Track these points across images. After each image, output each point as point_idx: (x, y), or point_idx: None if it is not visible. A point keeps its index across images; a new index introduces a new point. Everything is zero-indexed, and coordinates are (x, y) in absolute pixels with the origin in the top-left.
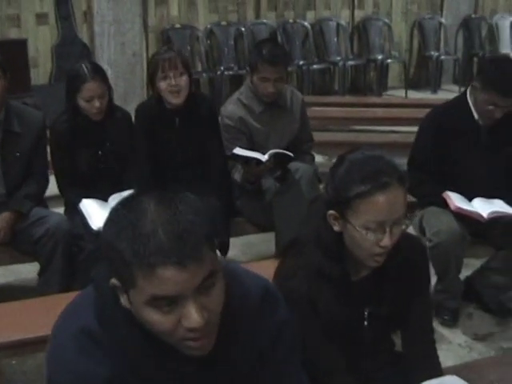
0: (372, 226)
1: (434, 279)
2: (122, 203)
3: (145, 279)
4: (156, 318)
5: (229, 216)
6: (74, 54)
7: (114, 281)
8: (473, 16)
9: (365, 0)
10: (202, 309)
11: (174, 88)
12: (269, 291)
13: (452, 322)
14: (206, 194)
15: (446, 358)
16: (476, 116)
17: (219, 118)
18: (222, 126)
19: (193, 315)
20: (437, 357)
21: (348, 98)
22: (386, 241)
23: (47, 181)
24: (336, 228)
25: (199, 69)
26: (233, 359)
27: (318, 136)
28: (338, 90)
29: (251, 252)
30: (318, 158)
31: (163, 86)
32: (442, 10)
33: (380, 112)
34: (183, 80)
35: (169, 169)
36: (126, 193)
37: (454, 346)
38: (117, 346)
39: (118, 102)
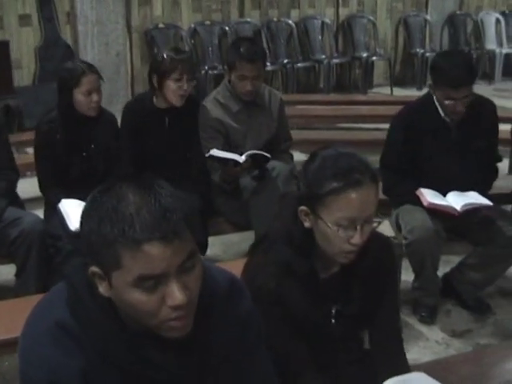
0: (343, 223)
1: (411, 276)
2: (100, 191)
3: (131, 258)
4: (140, 299)
5: (207, 215)
6: (57, 55)
7: (93, 269)
8: (458, 12)
9: None
10: (185, 287)
11: (183, 92)
12: (235, 282)
13: (429, 318)
14: (187, 193)
15: (422, 354)
16: (442, 114)
17: None
18: (199, 126)
19: (176, 293)
20: (404, 354)
21: (333, 96)
22: (357, 238)
23: (17, 174)
24: (307, 224)
25: (225, 66)
26: (208, 347)
27: (302, 134)
28: (323, 88)
29: (231, 251)
30: (301, 157)
31: (174, 86)
32: (426, 7)
33: (365, 110)
34: (191, 85)
35: (152, 169)
36: None
37: (431, 342)
38: (91, 338)
39: (102, 102)
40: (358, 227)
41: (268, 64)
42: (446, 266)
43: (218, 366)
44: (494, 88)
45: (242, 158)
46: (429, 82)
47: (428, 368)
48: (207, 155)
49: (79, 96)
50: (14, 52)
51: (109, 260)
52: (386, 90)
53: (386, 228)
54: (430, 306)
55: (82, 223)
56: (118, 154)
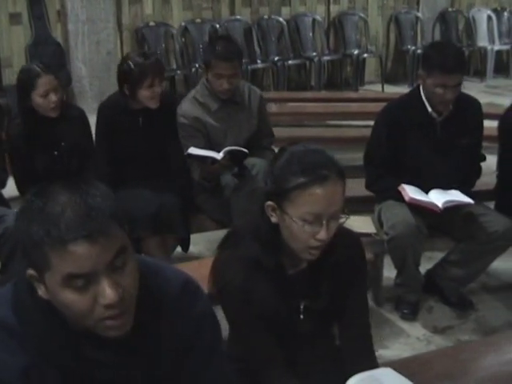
0: (309, 218)
1: (394, 273)
2: (32, 193)
3: (58, 258)
4: (73, 299)
5: (188, 213)
6: (47, 53)
7: (30, 271)
8: (449, 9)
9: None
10: (116, 285)
11: (157, 95)
12: (189, 283)
13: (411, 315)
14: (166, 191)
15: (402, 351)
16: (429, 109)
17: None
18: (179, 125)
19: (107, 291)
20: (372, 351)
21: (324, 94)
22: (323, 234)
23: (7, 173)
24: (273, 219)
25: (174, 66)
26: (153, 348)
27: (292, 132)
28: (314, 86)
29: (215, 248)
30: None
31: (147, 93)
32: (418, 4)
33: (356, 107)
34: (163, 85)
35: (129, 167)
36: None
37: (411, 339)
38: (33, 337)
39: (93, 100)
40: (324, 223)
41: (259, 61)
42: (429, 262)
43: (169, 369)
44: (485, 85)
45: (219, 155)
46: (419, 71)
47: (404, 364)
48: (186, 154)
49: (37, 98)
50: (5, 50)
51: (39, 261)
52: (378, 88)
53: (367, 224)
54: (412, 303)
55: (16, 224)
56: (91, 151)
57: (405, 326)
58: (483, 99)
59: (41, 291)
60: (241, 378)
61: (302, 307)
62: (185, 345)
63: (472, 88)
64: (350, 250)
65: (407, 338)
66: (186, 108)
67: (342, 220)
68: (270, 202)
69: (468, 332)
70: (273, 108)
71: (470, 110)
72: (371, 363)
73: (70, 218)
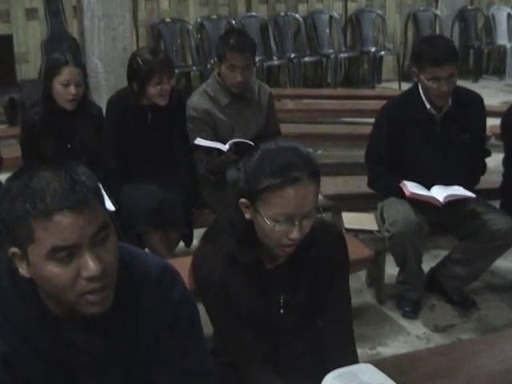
0: (280, 219)
1: (396, 270)
2: (15, 174)
3: (43, 230)
4: (56, 272)
5: (191, 208)
6: (63, 49)
7: (12, 250)
8: (469, 7)
9: None
10: (99, 258)
11: (165, 92)
12: (167, 269)
13: (413, 313)
14: (170, 187)
15: (401, 349)
16: (428, 106)
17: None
18: (188, 118)
19: (90, 264)
20: (354, 346)
21: (340, 91)
22: (295, 234)
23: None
24: (247, 216)
25: (190, 62)
26: (131, 332)
27: (307, 128)
28: (330, 83)
29: None
30: None
31: (155, 91)
32: (437, 2)
33: (372, 104)
34: (172, 83)
35: (136, 162)
36: None
37: (411, 337)
38: (11, 323)
39: (108, 96)
40: (297, 223)
41: (275, 58)
42: (434, 260)
43: (147, 354)
44: (504, 83)
45: (225, 147)
46: (412, 69)
47: (396, 361)
48: (192, 144)
49: (57, 85)
50: (21, 46)
51: (23, 235)
52: (395, 85)
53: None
54: (414, 301)
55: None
56: (101, 147)
57: (405, 324)
58: (501, 98)
59: (22, 270)
60: (226, 372)
61: (281, 301)
62: (163, 330)
63: (490, 86)
64: (332, 245)
65: (407, 336)
66: (197, 101)
67: (319, 215)
68: (243, 200)
69: (469, 331)
70: (289, 105)
71: (471, 105)
72: (351, 359)
73: (56, 190)
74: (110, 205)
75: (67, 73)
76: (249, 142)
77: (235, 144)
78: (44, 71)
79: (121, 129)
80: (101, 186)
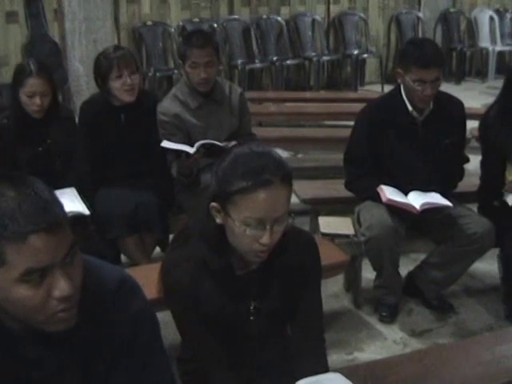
0: (251, 223)
1: (373, 274)
2: None
3: (16, 253)
4: (27, 294)
5: (167, 212)
6: (44, 52)
7: None
8: (451, 10)
9: None
10: (70, 277)
11: (128, 87)
12: (125, 281)
13: (390, 318)
14: (146, 190)
15: (378, 354)
16: (410, 108)
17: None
18: (158, 122)
19: (62, 284)
20: (324, 355)
21: (323, 94)
22: (266, 238)
23: None
24: (218, 220)
25: (171, 65)
26: (90, 345)
27: (290, 132)
28: (313, 86)
29: None
30: (284, 155)
31: (117, 85)
32: (419, 5)
33: (355, 107)
34: (136, 78)
35: (111, 165)
36: (67, 190)
37: (388, 342)
38: None
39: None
40: (268, 227)
41: (257, 61)
42: (413, 263)
43: (104, 368)
44: (487, 86)
45: (192, 149)
46: (397, 70)
47: (369, 367)
48: (160, 147)
49: (23, 96)
50: (1, 49)
51: None
52: (378, 88)
53: (347, 225)
54: (391, 305)
55: None
56: (75, 151)
57: (383, 328)
58: (484, 100)
59: None
60: (194, 379)
61: (252, 308)
62: (122, 343)
63: (473, 89)
64: (304, 251)
65: (384, 341)
66: (166, 105)
67: (290, 220)
68: (214, 204)
69: (446, 336)
70: (271, 108)
71: (453, 109)
72: (321, 368)
73: (28, 210)
74: (84, 209)
75: (31, 84)
76: (217, 143)
77: (205, 146)
78: (12, 80)
79: (94, 132)
80: (75, 190)
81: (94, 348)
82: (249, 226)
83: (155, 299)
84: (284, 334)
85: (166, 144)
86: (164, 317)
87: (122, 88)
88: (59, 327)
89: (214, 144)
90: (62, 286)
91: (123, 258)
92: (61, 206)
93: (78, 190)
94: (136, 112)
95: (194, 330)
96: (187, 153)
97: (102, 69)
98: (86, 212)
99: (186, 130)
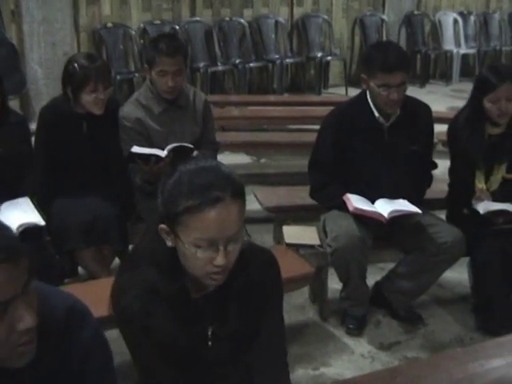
0: (203, 244)
1: (340, 285)
2: None
3: None
4: None
5: (126, 222)
6: (1, 55)
7: None
8: (415, 12)
9: None
10: (31, 308)
11: (100, 101)
12: (74, 311)
13: (357, 330)
14: (104, 200)
15: (345, 369)
16: (376, 114)
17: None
18: (120, 128)
19: (26, 316)
20: (288, 380)
21: (286, 97)
22: (220, 260)
23: None
24: (168, 243)
25: (132, 68)
26: (41, 378)
27: (253, 136)
28: (276, 89)
29: None
30: (247, 159)
31: (90, 98)
32: (383, 7)
33: (319, 111)
34: (109, 92)
35: (69, 173)
36: (21, 200)
37: (356, 356)
38: None
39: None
40: (221, 248)
41: (219, 64)
42: (380, 273)
43: None
44: (451, 89)
45: (163, 153)
46: (361, 75)
47: None
48: (127, 154)
49: None
50: None
51: None
52: (342, 91)
53: (313, 235)
54: (359, 317)
55: None
56: (30, 158)
57: (350, 341)
58: (448, 103)
59: None
60: None
61: (209, 333)
62: (74, 373)
63: (437, 91)
64: (263, 270)
65: (351, 355)
66: (128, 110)
67: (246, 238)
68: (162, 226)
69: (415, 348)
70: (234, 112)
71: (420, 115)
72: None
73: None
74: (39, 220)
75: None
76: (188, 145)
77: (173, 150)
78: None
79: (54, 138)
80: (29, 200)
81: (45, 379)
82: (200, 248)
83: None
84: (245, 358)
85: (136, 149)
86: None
87: (94, 102)
88: (21, 362)
89: (184, 147)
90: (25, 318)
91: (80, 270)
92: (15, 232)
93: (32, 200)
94: (98, 119)
95: (147, 358)
96: (157, 157)
97: (76, 79)
98: (42, 223)
99: (147, 135)
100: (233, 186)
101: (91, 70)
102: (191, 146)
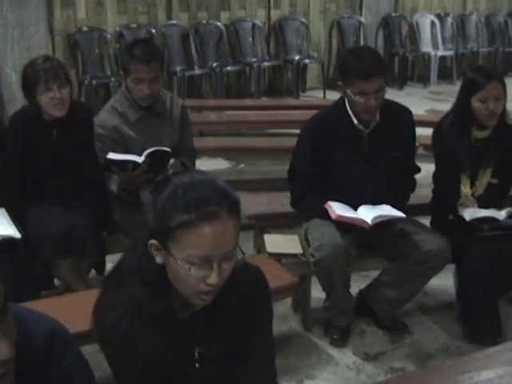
0: (196, 261)
1: (324, 293)
2: None
3: None
4: None
5: (103, 232)
6: None
7: None
8: (393, 15)
9: None
10: (6, 337)
11: (57, 101)
12: (55, 335)
13: (341, 341)
14: (79, 209)
15: (331, 381)
16: (355, 121)
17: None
18: (95, 136)
19: (1, 347)
20: None
21: (264, 101)
22: (213, 279)
23: None
24: (158, 260)
25: (108, 73)
26: None
27: (230, 141)
28: (254, 93)
29: None
30: (226, 164)
31: (45, 99)
32: (361, 9)
33: (297, 114)
34: (67, 91)
35: (42, 182)
36: None
37: (341, 367)
38: None
39: None
40: (215, 266)
41: (196, 68)
42: (364, 281)
43: None
44: (429, 91)
45: (140, 159)
46: (338, 82)
47: None
48: (103, 161)
49: None
50: None
51: None
52: (320, 94)
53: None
54: (343, 328)
55: None
56: (5, 166)
57: (334, 352)
58: (426, 105)
59: None
60: None
61: (196, 354)
62: None
63: (415, 94)
64: (252, 289)
65: (336, 367)
66: (104, 118)
67: (239, 257)
68: (153, 241)
69: (401, 359)
70: (211, 117)
71: (400, 119)
72: None
73: None
74: (15, 232)
75: None
76: (165, 148)
77: (150, 156)
78: None
79: (25, 147)
80: (5, 211)
81: None
82: (193, 265)
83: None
84: (233, 379)
85: (112, 156)
86: None
87: (51, 102)
88: None
89: (161, 152)
90: (1, 349)
91: (57, 281)
92: None
93: (7, 210)
94: (69, 126)
95: (131, 379)
96: (134, 164)
97: (29, 81)
98: (17, 235)
99: (123, 143)
100: (229, 201)
101: (41, 70)
102: (168, 149)
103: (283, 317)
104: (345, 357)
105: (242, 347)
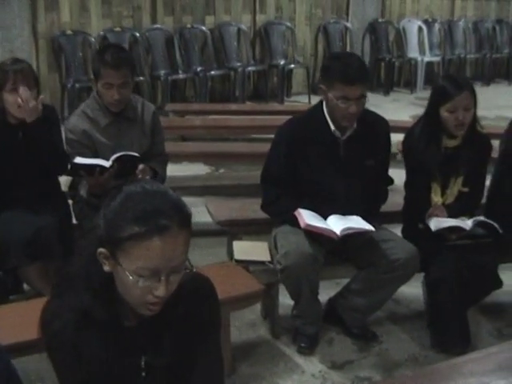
0: (145, 273)
1: (292, 302)
2: None
3: None
4: None
5: (71, 235)
6: None
7: None
8: (379, 20)
9: (267, 4)
10: None
11: (25, 104)
12: None
13: (309, 349)
14: (46, 213)
15: None
16: (333, 127)
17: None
18: (65, 140)
19: None
20: None
21: (248, 105)
22: (161, 291)
23: None
24: (106, 268)
25: (92, 76)
26: None
27: (214, 147)
28: (238, 97)
29: None
30: (206, 169)
31: (11, 99)
32: (347, 14)
33: (281, 120)
34: (33, 95)
35: (8, 186)
36: None
37: (306, 376)
38: None
39: None
40: (163, 278)
41: (180, 72)
42: (335, 288)
43: None
44: (415, 96)
45: (108, 163)
46: (320, 85)
47: None
48: (72, 164)
49: None
50: None
51: None
52: (305, 99)
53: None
54: (311, 336)
55: None
56: None
57: (301, 360)
58: (412, 111)
59: None
60: None
61: (143, 364)
62: None
63: (402, 99)
64: (201, 300)
65: (302, 375)
66: (74, 122)
67: (189, 268)
68: (102, 249)
69: (368, 368)
70: (195, 121)
71: (377, 129)
72: None
73: None
74: None
75: None
76: (133, 153)
77: (118, 160)
78: None
79: None
80: None
81: None
82: (142, 277)
83: None
84: None
85: (78, 160)
86: None
87: (16, 104)
88: None
89: (129, 156)
90: None
91: (26, 286)
92: None
93: None
94: (35, 128)
95: None
96: (102, 168)
97: None
98: None
99: (93, 148)
100: (180, 215)
101: (9, 70)
102: (136, 154)
103: (252, 324)
104: (311, 365)
105: (188, 359)
